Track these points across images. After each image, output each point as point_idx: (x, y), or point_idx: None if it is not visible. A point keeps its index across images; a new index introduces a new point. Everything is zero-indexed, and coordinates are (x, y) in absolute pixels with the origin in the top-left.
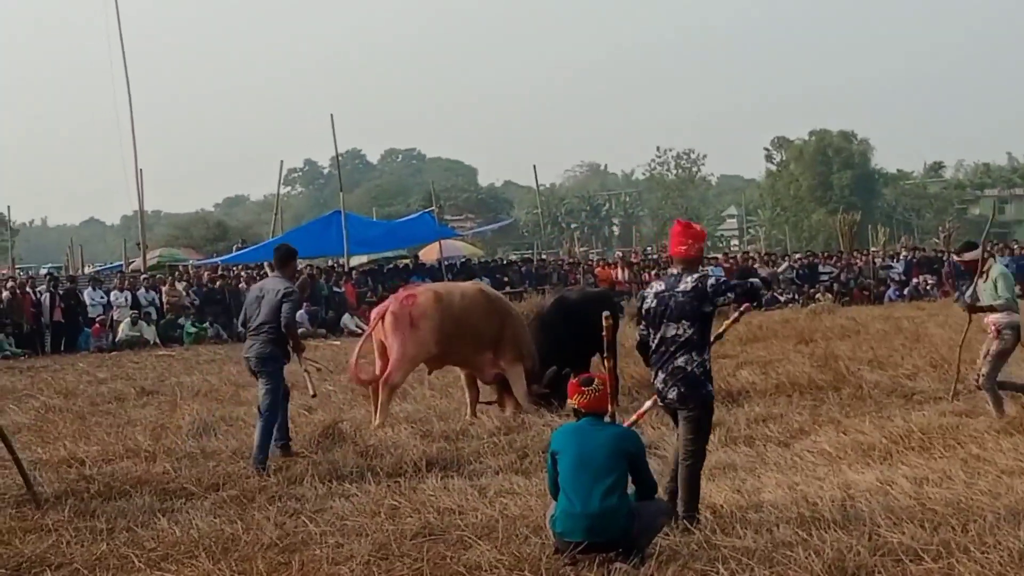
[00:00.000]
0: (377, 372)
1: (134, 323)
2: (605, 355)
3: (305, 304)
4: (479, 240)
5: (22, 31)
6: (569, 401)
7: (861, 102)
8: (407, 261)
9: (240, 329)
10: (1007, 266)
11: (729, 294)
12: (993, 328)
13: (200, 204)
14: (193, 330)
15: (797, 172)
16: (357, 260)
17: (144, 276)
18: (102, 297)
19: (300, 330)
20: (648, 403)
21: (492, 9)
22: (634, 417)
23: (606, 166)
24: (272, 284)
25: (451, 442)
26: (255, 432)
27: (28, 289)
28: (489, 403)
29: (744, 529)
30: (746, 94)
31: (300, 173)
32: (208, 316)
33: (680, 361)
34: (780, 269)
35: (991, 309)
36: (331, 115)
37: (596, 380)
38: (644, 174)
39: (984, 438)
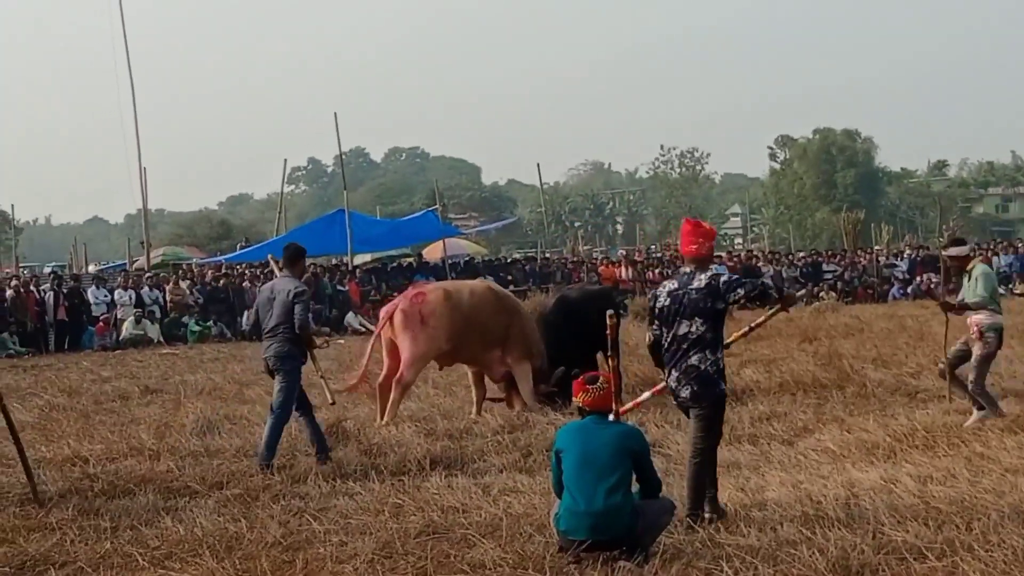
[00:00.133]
0: (384, 371)
1: (138, 322)
2: (609, 353)
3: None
4: (483, 238)
5: (26, 30)
6: (574, 399)
7: (865, 100)
8: (411, 260)
9: (244, 328)
10: (1010, 264)
11: (739, 290)
12: (976, 329)
13: (204, 202)
14: (197, 328)
15: (801, 170)
16: (361, 259)
17: (148, 274)
18: (106, 296)
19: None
20: (646, 394)
21: (496, 7)
22: (630, 405)
23: (610, 164)
24: (282, 284)
25: (455, 440)
26: (264, 429)
27: (32, 288)
28: (497, 400)
29: (748, 527)
30: (750, 92)
31: (304, 172)
32: (212, 315)
33: (693, 359)
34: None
35: (965, 307)
36: (335, 113)
37: (601, 379)
38: (648, 172)
39: (988, 436)
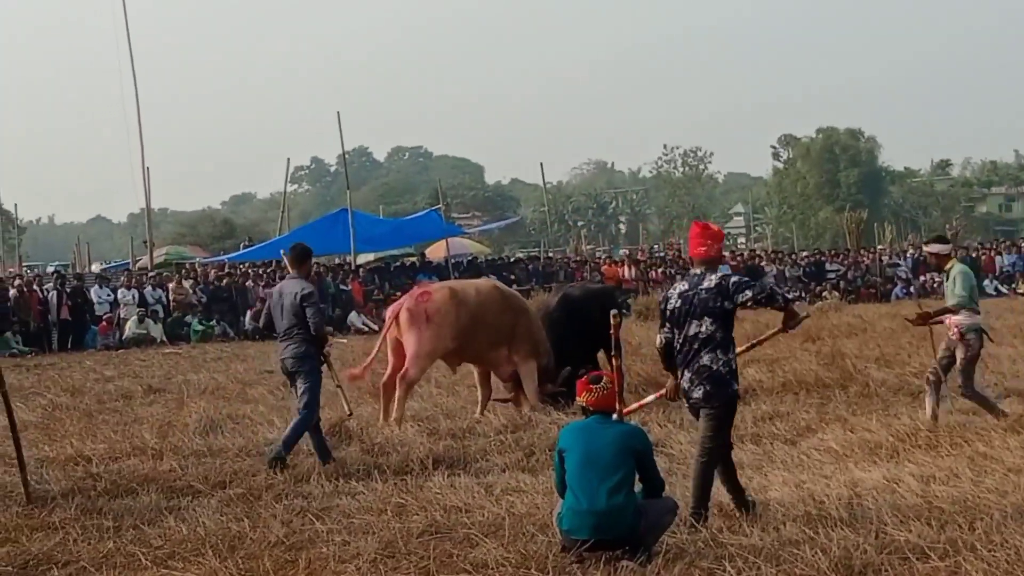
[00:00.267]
0: (388, 371)
1: (141, 321)
2: (612, 353)
3: None
4: (486, 238)
5: (29, 30)
6: (577, 399)
7: (868, 100)
8: (414, 259)
9: (247, 327)
10: (1013, 263)
11: (747, 292)
12: (956, 330)
13: (207, 202)
14: (200, 328)
15: (804, 170)
16: (364, 258)
17: (151, 274)
18: (109, 295)
19: None
20: (650, 396)
21: (500, 6)
22: (634, 406)
23: (613, 164)
24: (291, 287)
25: (458, 440)
26: (288, 426)
27: (35, 287)
28: (504, 400)
29: (751, 527)
30: (753, 92)
31: (307, 171)
32: (215, 314)
33: (705, 360)
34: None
35: (946, 311)
36: (338, 113)
37: (605, 378)
38: (651, 172)
39: (991, 436)
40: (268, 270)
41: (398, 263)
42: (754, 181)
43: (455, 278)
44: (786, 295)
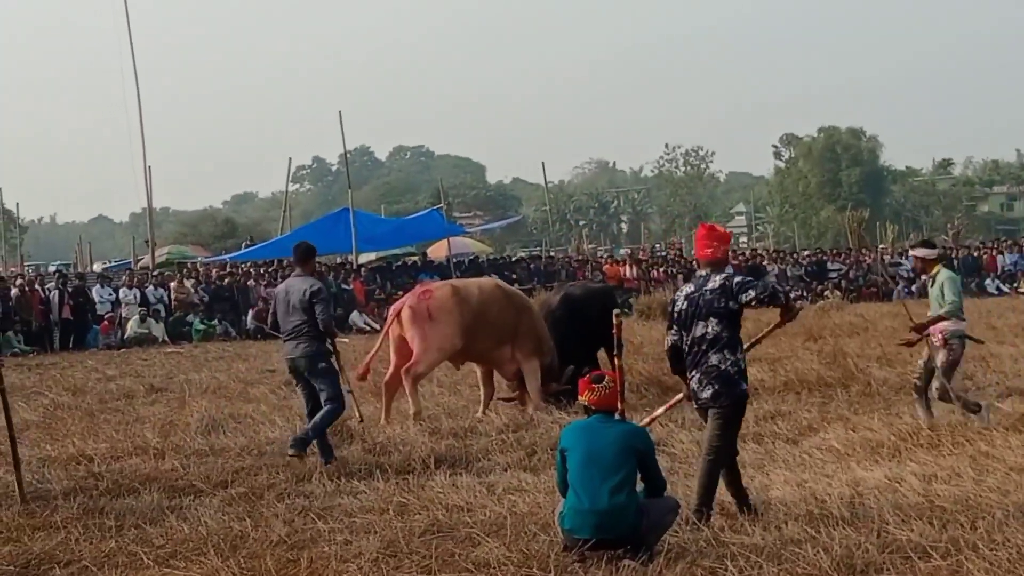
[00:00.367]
0: (391, 370)
1: (143, 320)
2: (614, 352)
3: None
4: (487, 237)
5: (31, 30)
6: (579, 398)
7: (870, 99)
8: (416, 258)
9: (248, 327)
10: (1015, 263)
11: (751, 291)
12: (940, 336)
13: (208, 201)
14: (202, 327)
15: (806, 169)
16: (366, 257)
17: (153, 273)
18: (111, 294)
19: None
20: (660, 409)
21: (501, 6)
22: (646, 420)
23: (615, 163)
24: (297, 284)
25: (459, 439)
26: (315, 417)
27: (37, 286)
28: (508, 399)
29: (753, 526)
30: (755, 91)
31: (308, 170)
32: (217, 313)
33: (713, 360)
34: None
35: (939, 319)
36: (339, 112)
37: (607, 377)
38: (653, 171)
39: (993, 435)
40: (270, 269)
41: (400, 262)
42: (756, 180)
43: (457, 277)
44: (787, 294)
